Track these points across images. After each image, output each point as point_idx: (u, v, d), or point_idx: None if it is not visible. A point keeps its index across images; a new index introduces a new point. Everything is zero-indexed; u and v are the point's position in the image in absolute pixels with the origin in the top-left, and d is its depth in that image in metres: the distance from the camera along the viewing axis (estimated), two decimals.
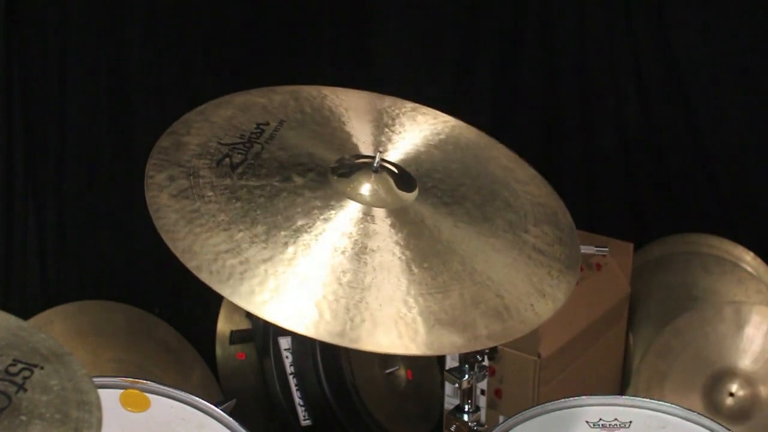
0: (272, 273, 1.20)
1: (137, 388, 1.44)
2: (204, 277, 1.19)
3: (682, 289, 2.57)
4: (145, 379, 1.46)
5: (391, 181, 1.36)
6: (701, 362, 2.42)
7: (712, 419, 1.50)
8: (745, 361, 2.40)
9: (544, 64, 2.65)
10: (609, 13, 2.57)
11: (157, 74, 2.30)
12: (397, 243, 1.28)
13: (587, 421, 1.51)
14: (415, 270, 1.26)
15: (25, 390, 1.09)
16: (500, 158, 1.53)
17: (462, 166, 1.48)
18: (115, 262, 2.30)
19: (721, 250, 2.57)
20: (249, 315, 2.17)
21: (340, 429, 2.08)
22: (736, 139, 2.59)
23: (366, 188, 1.34)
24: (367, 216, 1.30)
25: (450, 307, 1.23)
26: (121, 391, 1.44)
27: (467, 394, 1.55)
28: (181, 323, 2.29)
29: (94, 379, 1.15)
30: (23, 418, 1.06)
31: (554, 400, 1.54)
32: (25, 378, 1.10)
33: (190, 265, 1.20)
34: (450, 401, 1.67)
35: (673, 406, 1.52)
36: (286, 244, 1.23)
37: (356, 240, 1.26)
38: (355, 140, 1.44)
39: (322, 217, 1.28)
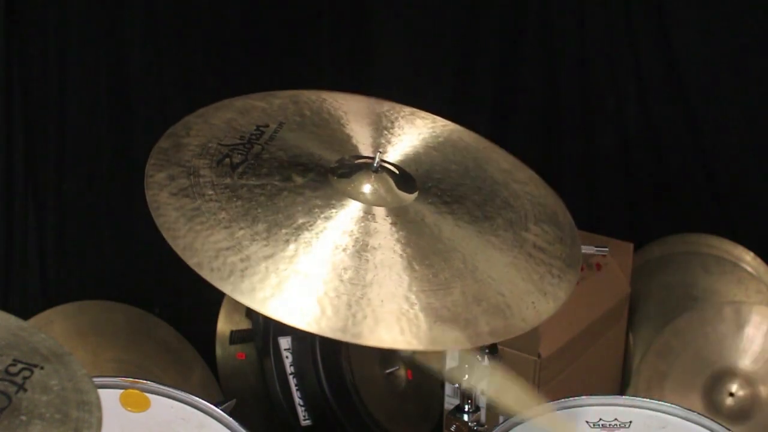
0: (273, 270, 1.20)
1: (137, 388, 1.44)
2: (205, 274, 1.19)
3: (682, 289, 2.57)
4: (145, 379, 1.46)
5: (391, 181, 1.37)
6: (701, 362, 2.42)
7: (712, 419, 1.50)
8: (745, 361, 2.40)
9: (544, 64, 2.65)
10: (609, 13, 2.57)
11: (157, 74, 2.30)
12: (398, 241, 1.29)
13: (587, 421, 1.51)
14: (417, 267, 1.26)
15: (25, 390, 1.09)
16: (499, 161, 1.54)
17: (461, 167, 1.49)
18: (115, 262, 2.30)
19: (721, 250, 2.57)
20: (249, 315, 2.17)
21: (340, 429, 2.08)
22: (736, 139, 2.59)
23: (366, 188, 1.35)
24: (368, 215, 1.31)
25: (452, 304, 1.24)
26: (121, 391, 1.44)
27: (467, 394, 1.55)
28: (181, 323, 2.29)
29: (94, 379, 1.15)
30: (23, 418, 1.06)
31: (554, 400, 1.54)
32: (25, 378, 1.10)
33: (191, 262, 1.20)
34: (450, 401, 1.67)
35: (673, 406, 1.52)
36: (287, 242, 1.24)
37: (357, 238, 1.27)
38: (354, 142, 1.45)
39: (323, 215, 1.29)
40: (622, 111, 2.64)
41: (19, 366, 1.12)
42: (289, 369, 2.07)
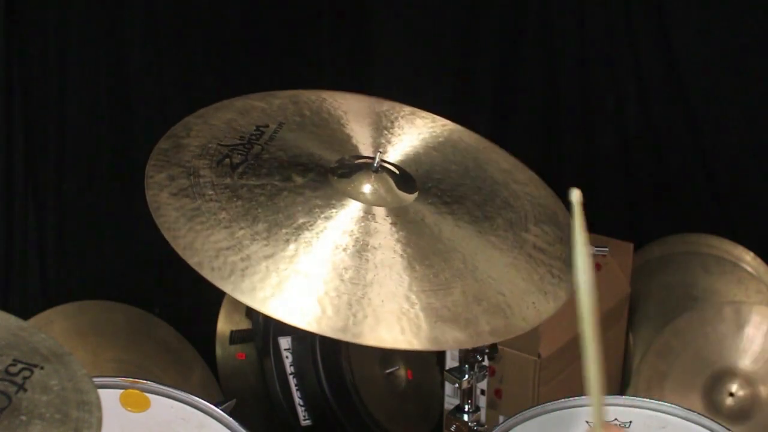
0: (274, 270, 1.21)
1: (137, 388, 1.44)
2: (206, 273, 1.19)
3: (682, 289, 2.57)
4: (145, 379, 1.46)
5: (391, 181, 1.37)
6: (701, 362, 2.42)
7: (712, 419, 1.50)
8: (745, 361, 2.40)
9: (544, 64, 2.65)
10: (609, 13, 2.57)
11: (157, 74, 2.30)
12: (398, 241, 1.29)
13: (587, 421, 1.50)
14: (417, 267, 1.27)
15: (25, 390, 1.09)
16: (499, 161, 1.54)
17: (461, 167, 1.49)
18: (115, 262, 2.30)
19: (721, 250, 2.57)
20: (249, 315, 2.17)
21: (340, 429, 2.08)
22: (736, 139, 2.59)
23: (366, 188, 1.35)
24: (368, 215, 1.31)
25: (452, 304, 1.24)
26: (121, 391, 1.44)
27: (467, 394, 1.56)
28: (181, 323, 2.29)
29: (94, 379, 1.15)
30: (23, 418, 1.06)
31: (554, 400, 1.54)
32: (25, 378, 1.10)
33: (192, 261, 1.20)
34: (450, 401, 1.67)
35: (673, 406, 1.52)
36: (287, 242, 1.24)
37: (357, 238, 1.27)
38: (354, 142, 1.46)
39: (323, 215, 1.29)
40: (622, 111, 2.64)
41: (19, 366, 1.12)
42: (289, 369, 2.07)
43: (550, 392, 2.07)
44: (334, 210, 1.30)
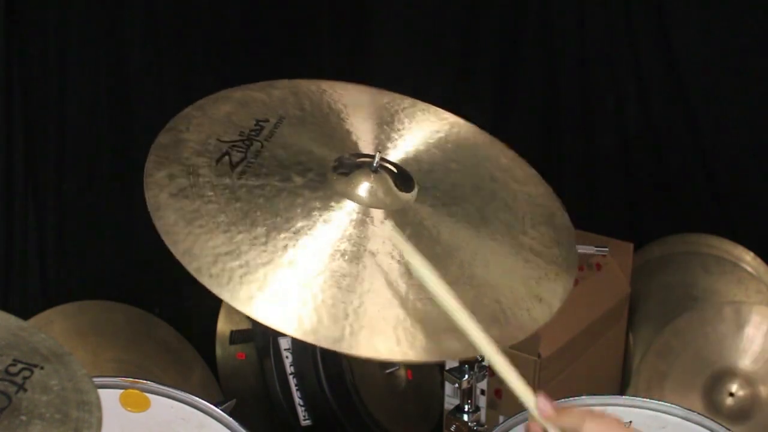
0: (271, 277, 1.19)
1: (137, 388, 1.44)
2: (204, 280, 1.18)
3: (682, 289, 2.57)
4: (145, 379, 1.46)
5: (391, 182, 1.35)
6: (701, 362, 2.42)
7: (712, 419, 1.50)
8: (745, 361, 2.40)
9: (544, 64, 2.65)
10: (609, 13, 2.57)
11: (157, 74, 2.30)
12: (395, 246, 1.27)
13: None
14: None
15: (25, 390, 1.09)
16: (499, 157, 1.53)
17: (461, 165, 1.47)
18: (115, 262, 2.30)
19: (721, 250, 2.57)
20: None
21: (340, 429, 2.08)
22: (736, 139, 2.59)
23: (365, 189, 1.33)
24: (366, 218, 1.30)
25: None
26: (121, 391, 1.44)
27: (467, 394, 1.56)
28: (181, 323, 2.29)
29: (94, 379, 1.15)
30: (23, 418, 1.06)
31: (554, 400, 1.53)
32: (25, 378, 1.10)
33: (191, 267, 1.19)
34: (450, 401, 1.66)
35: (673, 406, 1.52)
36: (285, 247, 1.23)
37: (355, 242, 1.26)
38: (354, 138, 1.43)
39: (321, 218, 1.27)
40: (622, 111, 2.64)
41: (19, 366, 1.12)
42: (289, 369, 2.07)
43: (550, 392, 2.06)
44: (332, 213, 1.29)
